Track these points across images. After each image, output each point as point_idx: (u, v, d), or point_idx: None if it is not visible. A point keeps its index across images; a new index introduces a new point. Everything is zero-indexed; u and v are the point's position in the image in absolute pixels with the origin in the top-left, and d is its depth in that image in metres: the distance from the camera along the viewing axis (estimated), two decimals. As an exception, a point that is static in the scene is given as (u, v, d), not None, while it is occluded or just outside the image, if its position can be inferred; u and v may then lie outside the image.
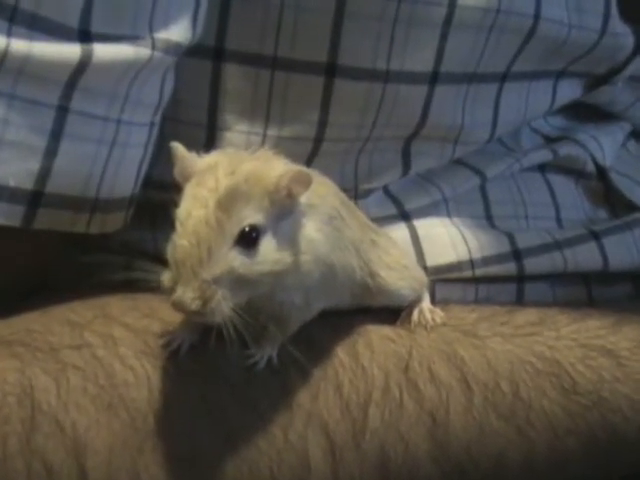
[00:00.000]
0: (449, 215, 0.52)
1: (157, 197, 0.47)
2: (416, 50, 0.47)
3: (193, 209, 0.36)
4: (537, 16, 0.49)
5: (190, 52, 0.45)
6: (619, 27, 0.53)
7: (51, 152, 0.41)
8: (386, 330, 0.45)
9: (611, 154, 0.59)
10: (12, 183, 0.41)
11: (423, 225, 0.51)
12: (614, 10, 0.52)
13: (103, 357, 0.40)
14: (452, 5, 0.47)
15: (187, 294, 0.35)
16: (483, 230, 0.52)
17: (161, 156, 0.47)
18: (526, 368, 0.43)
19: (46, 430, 0.38)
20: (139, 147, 0.45)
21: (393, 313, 0.46)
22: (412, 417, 0.42)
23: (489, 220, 0.53)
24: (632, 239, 0.54)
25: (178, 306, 0.35)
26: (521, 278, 0.51)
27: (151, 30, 0.42)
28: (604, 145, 0.58)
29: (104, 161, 0.43)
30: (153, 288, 0.38)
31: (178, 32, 0.43)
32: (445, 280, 0.50)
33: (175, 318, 0.41)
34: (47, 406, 0.39)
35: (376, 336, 0.44)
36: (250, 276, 0.36)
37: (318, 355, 0.42)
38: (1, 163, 0.40)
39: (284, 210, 0.37)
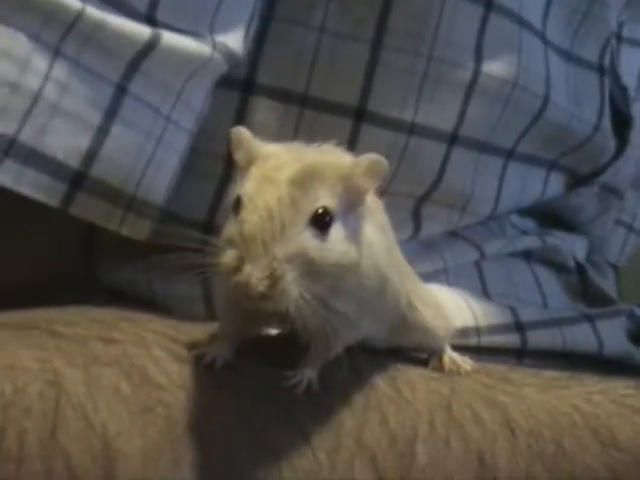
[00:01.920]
0: (449, 285, 0.51)
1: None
2: (441, 107, 0.48)
3: (263, 186, 0.33)
4: (546, 98, 0.52)
5: (218, 82, 0.45)
6: (609, 126, 0.56)
7: (103, 131, 0.39)
8: (423, 370, 0.42)
9: (583, 257, 0.60)
10: (59, 156, 0.38)
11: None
12: (607, 109, 0.56)
13: (136, 356, 0.36)
14: (476, 71, 0.49)
15: (255, 273, 0.32)
16: (486, 300, 0.51)
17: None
18: (565, 420, 0.41)
19: (72, 428, 0.33)
20: (177, 154, 0.43)
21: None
22: (459, 458, 0.39)
23: (486, 296, 0.53)
24: (620, 325, 0.54)
25: (244, 287, 0.32)
26: (521, 352, 0.50)
27: (212, 31, 0.42)
28: (577, 246, 0.60)
29: (148, 156, 0.41)
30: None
31: (234, 40, 0.43)
32: None
33: (200, 334, 0.38)
34: (75, 400, 0.33)
35: (414, 374, 0.41)
36: (319, 262, 0.33)
37: (360, 383, 0.39)
38: (52, 132, 0.38)
39: (352, 203, 0.35)
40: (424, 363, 0.43)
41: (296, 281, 0.32)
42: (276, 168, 0.34)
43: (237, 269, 0.32)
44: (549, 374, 0.44)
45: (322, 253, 0.33)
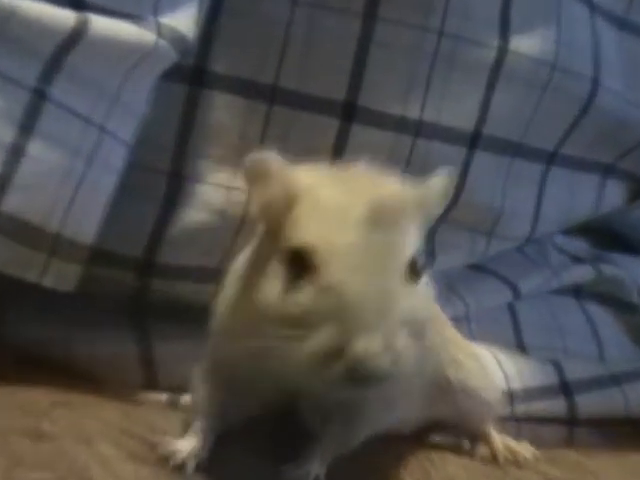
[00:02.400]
0: (472, 336, 0.42)
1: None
2: (457, 99, 0.41)
3: (334, 235, 0.28)
4: (596, 82, 0.43)
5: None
6: None
7: (17, 151, 0.33)
8: (468, 461, 0.36)
9: None
10: None
11: None
12: None
13: (75, 454, 0.29)
14: (502, 49, 0.41)
15: (377, 345, 0.26)
16: (521, 355, 0.43)
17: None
18: None
19: None
20: (114, 174, 0.36)
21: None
22: None
23: (522, 349, 0.44)
24: None
25: (369, 368, 0.26)
26: (572, 421, 0.42)
27: (156, 12, 0.36)
28: None
29: (77, 181, 0.35)
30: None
31: (184, 20, 0.36)
32: None
33: (156, 420, 0.33)
34: None
35: (456, 467, 0.35)
36: (423, 320, 0.29)
37: None
38: None
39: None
40: (466, 452, 0.37)
41: (410, 347, 0.28)
42: (340, 208, 0.28)
43: (339, 351, 0.27)
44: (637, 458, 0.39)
45: (424, 310, 0.29)
